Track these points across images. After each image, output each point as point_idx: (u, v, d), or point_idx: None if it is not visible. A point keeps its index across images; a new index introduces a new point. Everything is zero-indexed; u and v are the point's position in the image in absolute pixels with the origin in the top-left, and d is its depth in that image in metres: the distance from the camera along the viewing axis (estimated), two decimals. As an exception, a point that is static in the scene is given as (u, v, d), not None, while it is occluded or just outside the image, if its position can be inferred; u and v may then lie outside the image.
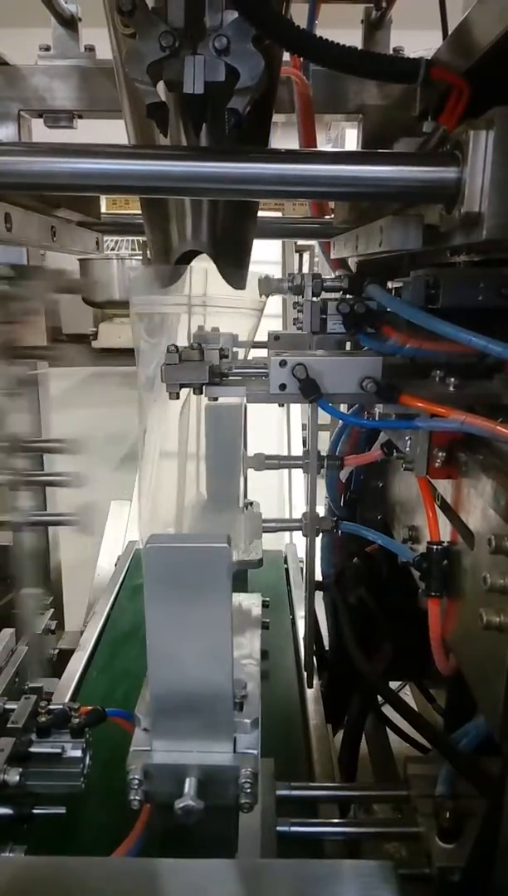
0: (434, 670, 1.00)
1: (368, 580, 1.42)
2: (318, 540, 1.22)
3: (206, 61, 0.74)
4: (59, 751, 0.97)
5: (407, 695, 1.78)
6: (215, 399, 1.09)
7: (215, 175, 0.80)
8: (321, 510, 1.23)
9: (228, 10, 0.74)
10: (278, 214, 3.25)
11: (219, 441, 1.32)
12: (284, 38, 0.77)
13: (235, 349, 1.14)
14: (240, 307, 1.25)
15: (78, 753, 0.97)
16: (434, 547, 0.93)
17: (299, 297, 1.16)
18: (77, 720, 1.00)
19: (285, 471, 3.10)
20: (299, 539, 2.13)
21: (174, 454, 1.31)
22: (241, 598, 1.19)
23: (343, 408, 1.15)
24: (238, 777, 0.77)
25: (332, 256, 1.59)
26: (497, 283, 0.98)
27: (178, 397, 1.01)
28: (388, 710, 1.50)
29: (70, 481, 1.86)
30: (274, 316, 3.44)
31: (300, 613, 1.75)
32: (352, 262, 1.50)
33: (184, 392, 1.00)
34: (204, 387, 0.99)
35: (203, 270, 1.16)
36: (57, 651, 1.92)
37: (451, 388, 0.90)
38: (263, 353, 1.20)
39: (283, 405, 3.63)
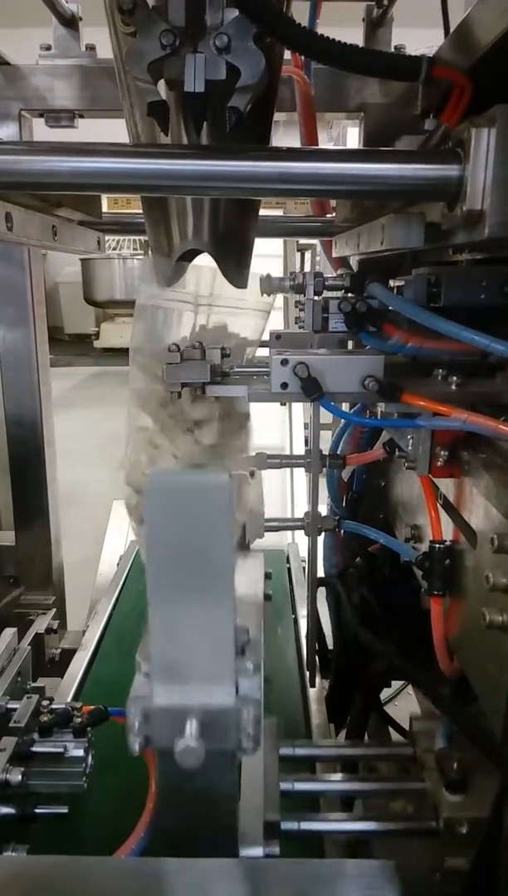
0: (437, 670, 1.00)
1: (370, 579, 1.41)
2: (320, 539, 1.22)
3: (207, 59, 0.74)
4: (61, 750, 0.97)
5: (409, 694, 1.78)
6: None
7: (216, 174, 0.80)
8: (323, 509, 1.23)
9: (228, 8, 0.73)
10: (280, 213, 3.25)
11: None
12: (285, 36, 0.77)
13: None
14: (248, 308, 1.25)
15: (80, 753, 0.97)
16: (437, 546, 0.93)
17: (300, 296, 1.16)
18: (79, 720, 1.00)
19: (287, 470, 3.10)
20: (301, 538, 2.13)
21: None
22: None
23: (345, 406, 1.15)
24: (240, 720, 0.76)
25: (333, 255, 1.59)
26: (499, 282, 0.98)
27: (179, 396, 1.01)
28: (389, 710, 1.50)
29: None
30: (276, 309, 3.43)
31: (303, 612, 1.75)
32: (354, 261, 1.50)
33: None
34: (205, 386, 0.99)
35: (212, 270, 1.16)
36: (59, 651, 1.92)
37: (453, 387, 0.90)
38: (265, 352, 1.20)
39: (285, 404, 3.64)
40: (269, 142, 1.06)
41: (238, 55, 0.74)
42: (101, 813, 1.07)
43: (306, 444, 1.24)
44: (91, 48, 1.47)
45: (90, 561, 2.46)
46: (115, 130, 1.01)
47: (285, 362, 0.94)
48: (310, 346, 1.15)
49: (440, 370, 0.94)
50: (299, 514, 1.25)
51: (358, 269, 1.46)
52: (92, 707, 1.02)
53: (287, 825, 0.93)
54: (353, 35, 1.04)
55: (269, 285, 1.20)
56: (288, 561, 2.12)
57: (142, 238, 6.03)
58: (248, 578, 1.07)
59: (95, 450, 4.77)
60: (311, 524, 1.15)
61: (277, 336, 1.19)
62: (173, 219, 1.05)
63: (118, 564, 2.19)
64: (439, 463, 0.90)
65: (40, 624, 1.87)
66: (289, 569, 2.07)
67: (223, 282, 1.14)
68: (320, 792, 1.03)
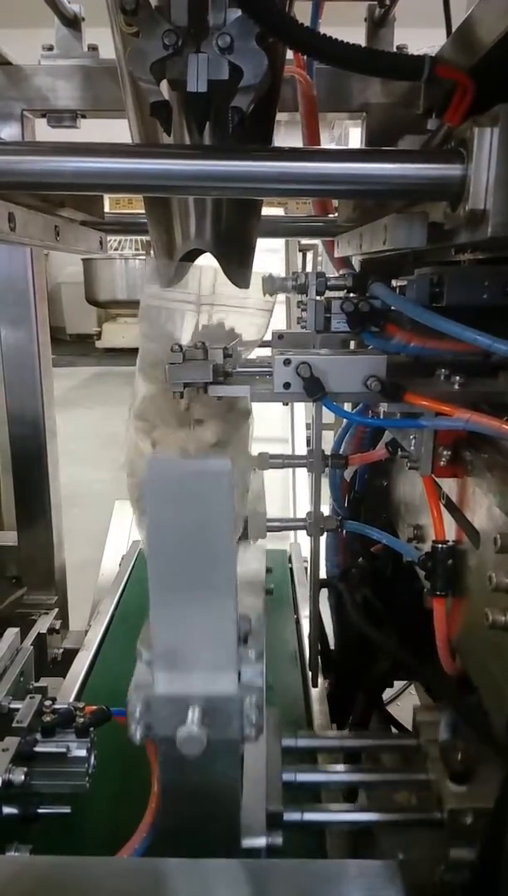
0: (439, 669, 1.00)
1: (372, 580, 1.41)
2: (322, 539, 1.22)
3: (209, 59, 0.74)
4: (64, 750, 0.97)
5: (412, 694, 1.77)
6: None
7: (218, 174, 0.80)
8: (325, 509, 1.23)
9: (231, 9, 0.73)
10: (281, 212, 3.25)
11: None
12: (287, 35, 0.77)
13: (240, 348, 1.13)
14: (250, 307, 1.25)
15: (83, 753, 0.97)
16: (440, 546, 0.93)
17: (303, 296, 1.16)
18: (82, 719, 1.00)
19: (290, 470, 3.10)
20: (303, 538, 2.13)
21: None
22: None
23: (348, 406, 1.15)
24: (242, 708, 0.75)
25: (336, 255, 1.59)
26: (501, 281, 0.98)
27: (182, 396, 1.00)
28: (391, 710, 1.49)
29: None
30: (278, 303, 3.43)
31: (305, 613, 1.74)
32: (356, 261, 1.49)
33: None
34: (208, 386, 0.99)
35: (214, 270, 1.16)
36: (62, 651, 1.92)
37: (456, 387, 0.90)
38: (267, 352, 1.20)
39: (287, 404, 3.62)
40: (271, 142, 1.06)
41: (241, 55, 0.74)
42: (103, 813, 1.07)
43: (308, 445, 1.24)
44: (93, 48, 1.47)
45: (92, 561, 2.46)
46: (117, 131, 1.01)
47: (287, 362, 0.94)
48: (313, 346, 1.15)
49: (443, 370, 0.93)
50: (302, 514, 1.25)
51: (360, 269, 1.46)
52: (94, 707, 1.02)
53: (290, 815, 0.92)
54: (355, 35, 1.04)
55: (271, 285, 1.20)
56: (290, 561, 2.12)
57: (144, 238, 6.03)
58: (249, 569, 1.07)
59: (97, 450, 4.78)
60: (313, 524, 1.15)
61: (279, 336, 1.19)
62: (176, 219, 1.05)
63: (120, 564, 2.19)
64: (441, 463, 0.90)
65: (43, 624, 1.87)
66: (291, 569, 2.07)
67: (227, 281, 1.14)
68: (322, 783, 1.02)
